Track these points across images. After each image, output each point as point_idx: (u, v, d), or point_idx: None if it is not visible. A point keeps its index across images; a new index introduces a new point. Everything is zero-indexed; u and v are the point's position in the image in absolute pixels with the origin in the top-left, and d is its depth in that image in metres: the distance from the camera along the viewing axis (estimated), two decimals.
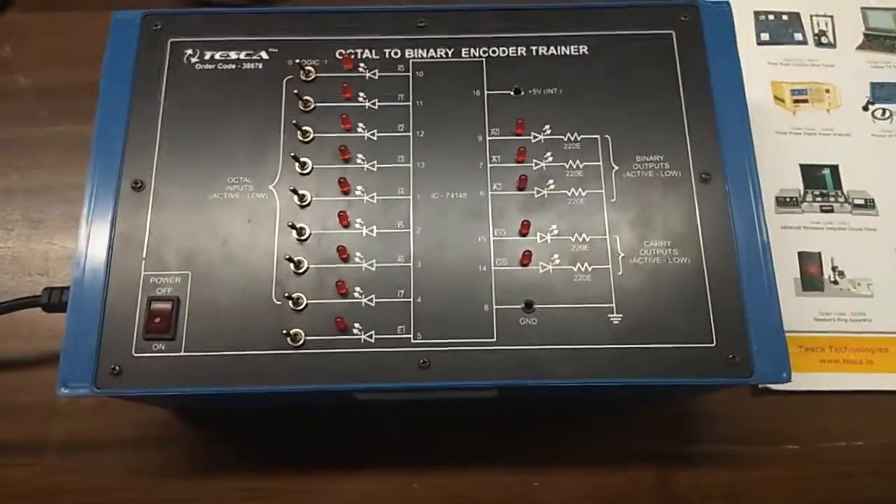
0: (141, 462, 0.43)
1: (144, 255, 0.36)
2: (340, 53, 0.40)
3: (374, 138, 0.39)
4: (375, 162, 0.38)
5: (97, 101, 0.39)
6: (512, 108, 0.39)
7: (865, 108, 0.50)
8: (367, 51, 0.41)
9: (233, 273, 0.36)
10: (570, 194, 0.38)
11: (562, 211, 0.38)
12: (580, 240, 0.37)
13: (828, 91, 0.50)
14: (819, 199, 0.48)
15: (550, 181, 0.38)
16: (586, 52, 0.41)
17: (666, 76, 0.40)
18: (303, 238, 0.37)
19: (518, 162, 0.38)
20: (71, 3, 0.54)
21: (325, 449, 0.43)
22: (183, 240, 0.37)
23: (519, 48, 0.41)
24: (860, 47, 0.52)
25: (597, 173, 0.38)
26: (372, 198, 0.38)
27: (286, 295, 0.36)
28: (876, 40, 0.52)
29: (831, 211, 0.47)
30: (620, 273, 0.37)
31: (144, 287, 0.36)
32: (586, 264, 0.37)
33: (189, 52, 0.40)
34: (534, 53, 0.41)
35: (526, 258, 0.36)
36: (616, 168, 0.38)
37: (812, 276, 0.46)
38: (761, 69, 0.51)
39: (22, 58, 0.53)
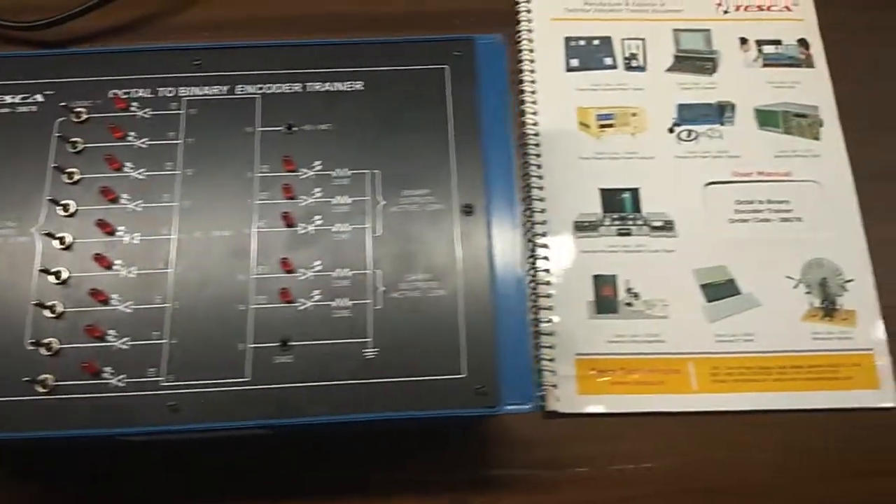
0: None
1: None
2: (114, 93, 0.40)
3: (142, 178, 0.39)
4: (141, 202, 0.38)
5: None
6: (283, 144, 0.40)
7: (671, 131, 0.51)
8: (140, 90, 0.41)
9: None
10: (335, 230, 0.38)
11: (326, 246, 0.38)
12: (342, 275, 0.38)
13: (634, 115, 0.52)
14: (617, 222, 0.49)
15: (317, 217, 0.39)
16: (361, 88, 0.41)
17: (437, 111, 0.41)
18: (60, 282, 0.37)
19: (287, 198, 0.39)
20: None
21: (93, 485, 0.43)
22: None
23: (294, 85, 0.41)
24: (670, 69, 0.53)
25: (363, 208, 0.39)
26: (134, 238, 0.38)
27: (38, 341, 0.36)
28: (686, 62, 0.53)
29: (629, 234, 0.48)
30: (379, 307, 0.37)
31: None
32: (346, 299, 0.37)
33: None
34: (308, 90, 0.41)
35: (286, 295, 0.37)
36: (383, 203, 0.39)
37: (607, 298, 0.47)
38: (569, 95, 0.52)
39: None
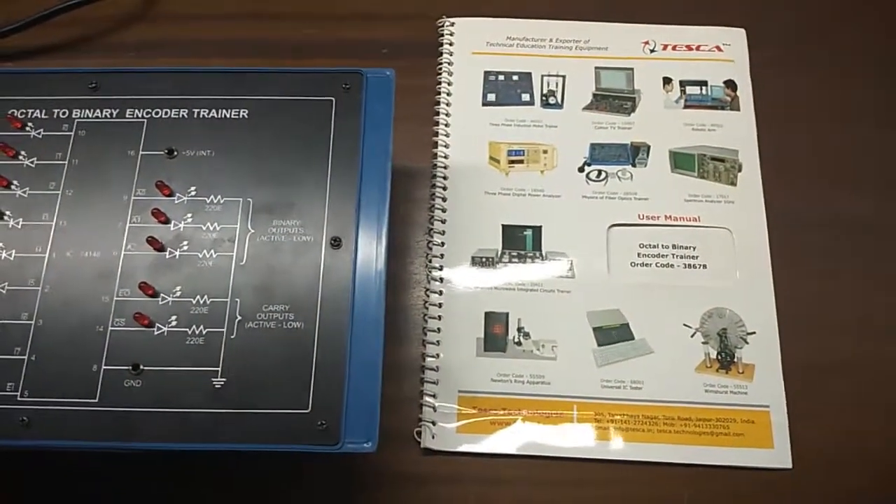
0: None
1: None
2: (11, 113, 0.42)
3: (25, 196, 0.40)
4: (21, 219, 0.40)
5: None
6: (162, 168, 0.41)
7: (581, 170, 0.51)
8: (37, 111, 0.42)
9: None
10: (201, 256, 0.39)
11: (190, 273, 0.39)
12: (201, 302, 0.38)
13: (545, 152, 0.51)
14: (515, 259, 0.48)
15: (185, 242, 0.39)
16: (246, 116, 0.42)
17: (319, 143, 0.41)
18: None
19: (159, 222, 0.40)
20: None
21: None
22: None
23: (181, 110, 0.42)
24: (587, 107, 0.53)
25: (232, 235, 0.39)
26: (10, 255, 0.39)
27: None
28: (604, 100, 0.53)
29: (526, 272, 0.48)
30: (233, 337, 0.37)
31: None
32: (202, 327, 0.38)
33: None
34: (195, 116, 0.42)
35: (143, 319, 0.37)
36: (252, 231, 0.39)
37: (496, 336, 0.46)
38: (482, 130, 0.52)
39: None
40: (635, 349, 0.46)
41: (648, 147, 0.51)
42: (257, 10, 0.58)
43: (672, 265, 0.48)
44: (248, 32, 0.57)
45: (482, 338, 0.46)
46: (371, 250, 0.39)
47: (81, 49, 0.56)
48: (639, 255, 0.49)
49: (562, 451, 0.44)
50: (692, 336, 0.47)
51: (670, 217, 0.50)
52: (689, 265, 0.48)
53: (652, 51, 0.55)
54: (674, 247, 0.49)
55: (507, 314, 0.47)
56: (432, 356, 0.46)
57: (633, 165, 0.51)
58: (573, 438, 0.44)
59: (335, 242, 0.39)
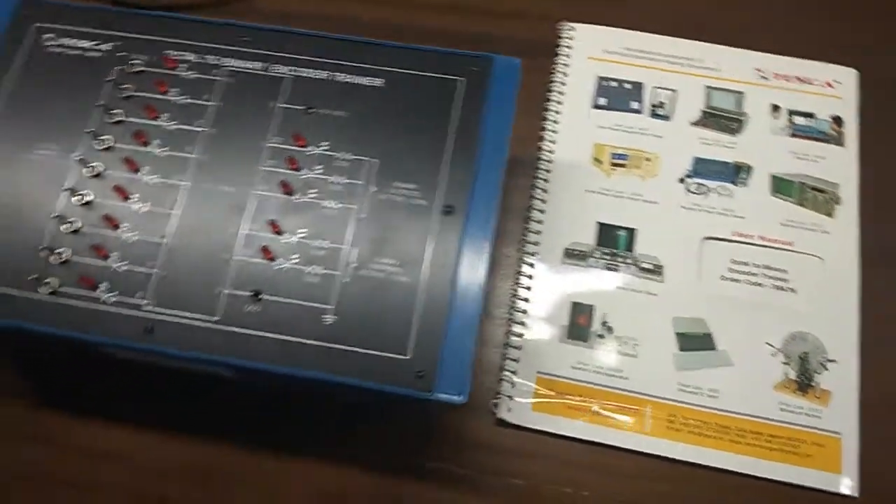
0: None
1: None
2: (167, 53, 0.46)
3: (172, 129, 0.44)
4: (167, 149, 0.43)
5: None
6: (299, 122, 0.44)
7: (682, 181, 0.52)
8: (190, 55, 0.46)
9: (15, 221, 0.42)
10: (325, 204, 0.42)
11: (314, 218, 0.42)
12: (321, 245, 0.41)
13: (648, 160, 0.53)
14: (607, 257, 0.50)
15: (313, 191, 0.42)
16: (381, 85, 0.45)
17: (443, 117, 0.44)
18: (83, 204, 0.42)
19: (290, 169, 0.43)
20: None
21: (96, 398, 0.48)
22: None
23: (322, 72, 0.45)
24: (695, 123, 0.54)
25: (355, 191, 0.42)
26: (153, 180, 0.43)
27: (51, 249, 0.41)
28: (712, 118, 0.54)
29: (616, 270, 0.50)
30: (346, 281, 0.40)
31: None
32: (319, 267, 0.40)
33: (46, 36, 0.46)
34: (334, 79, 0.45)
35: (267, 252, 0.41)
36: (374, 189, 0.42)
37: (580, 326, 0.48)
38: (589, 131, 0.54)
39: None
40: (716, 359, 0.47)
41: (750, 168, 0.53)
42: None
43: (761, 284, 0.49)
44: (376, 14, 0.61)
45: (566, 326, 0.48)
46: (479, 222, 0.41)
47: (223, 10, 0.61)
48: (729, 269, 0.50)
49: (630, 443, 0.45)
50: (773, 355, 0.47)
51: (765, 238, 0.51)
52: (779, 287, 0.49)
53: (763, 78, 0.56)
54: (765, 267, 0.50)
55: (592, 307, 0.49)
56: (516, 335, 0.48)
57: (734, 184, 0.52)
58: (643, 434, 0.46)
59: (448, 209, 0.42)
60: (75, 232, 0.41)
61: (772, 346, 0.48)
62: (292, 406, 0.47)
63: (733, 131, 0.54)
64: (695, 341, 0.48)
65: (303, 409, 0.47)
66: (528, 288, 0.49)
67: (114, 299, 0.40)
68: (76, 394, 0.48)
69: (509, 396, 0.46)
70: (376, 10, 0.61)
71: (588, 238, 0.51)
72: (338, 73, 0.45)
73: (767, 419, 0.46)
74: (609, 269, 0.50)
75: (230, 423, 0.47)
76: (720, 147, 0.53)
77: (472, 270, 0.40)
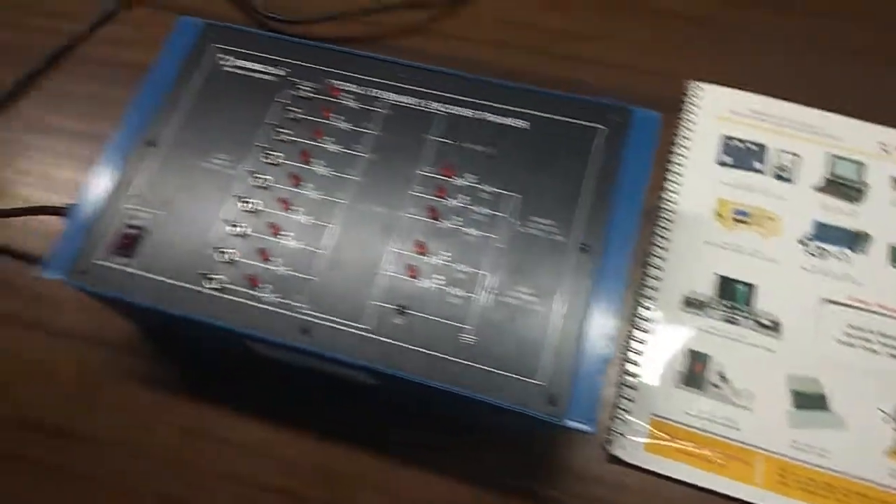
0: (91, 357, 0.53)
1: (136, 193, 0.47)
2: (332, 83, 0.50)
3: (334, 151, 0.48)
4: (329, 169, 0.48)
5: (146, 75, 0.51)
6: (449, 154, 0.48)
7: (802, 243, 0.53)
8: (353, 85, 0.50)
9: (191, 222, 0.46)
10: (467, 232, 0.45)
11: (457, 243, 0.45)
12: (462, 269, 0.44)
13: (770, 219, 0.54)
14: (726, 308, 0.51)
15: (457, 217, 0.45)
16: (526, 127, 0.48)
17: (582, 161, 0.47)
18: (250, 211, 0.46)
19: (438, 196, 0.46)
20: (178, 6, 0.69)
21: (243, 395, 0.51)
22: (165, 188, 0.47)
23: (473, 111, 0.49)
24: (818, 189, 0.56)
25: (496, 222, 0.45)
26: (314, 194, 0.47)
27: (220, 249, 0.45)
28: (834, 186, 0.55)
29: (735, 323, 0.51)
30: (484, 304, 0.43)
31: (126, 215, 0.46)
32: (460, 290, 0.43)
33: (224, 57, 0.52)
34: (482, 118, 0.49)
35: (412, 271, 0.44)
36: (514, 222, 0.45)
37: (696, 373, 0.49)
38: (712, 186, 0.56)
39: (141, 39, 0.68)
40: (829, 420, 0.48)
41: (870, 237, 0.54)
42: (532, 44, 0.66)
43: (877, 352, 0.50)
44: (517, 60, 0.65)
45: (682, 372, 0.50)
46: (614, 262, 0.44)
47: (378, 43, 0.67)
48: (846, 333, 0.50)
49: (740, 493, 0.46)
50: (885, 421, 0.48)
51: (882, 307, 0.51)
52: (893, 356, 0.50)
53: (886, 151, 0.57)
54: (881, 335, 0.50)
55: (709, 356, 0.50)
56: (631, 375, 0.50)
57: (853, 251, 0.53)
58: (753, 486, 0.46)
59: (584, 247, 0.44)
60: (241, 236, 0.46)
61: (884, 412, 0.48)
62: (418, 417, 0.49)
63: (854, 200, 0.55)
64: (809, 400, 0.48)
65: (427, 422, 0.49)
66: (646, 331, 0.51)
67: (274, 299, 0.44)
68: (226, 390, 0.52)
69: (622, 434, 0.48)
70: (514, 57, 0.65)
71: (707, 289, 0.52)
72: (487, 113, 0.49)
73: (877, 484, 0.46)
74: (727, 321, 0.51)
75: (359, 429, 0.50)
76: (841, 214, 0.54)
77: (606, 306, 0.43)
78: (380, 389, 0.47)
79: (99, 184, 0.48)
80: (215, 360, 0.52)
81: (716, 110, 0.59)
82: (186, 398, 0.52)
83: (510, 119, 0.49)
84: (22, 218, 0.56)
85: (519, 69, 0.64)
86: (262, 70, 0.51)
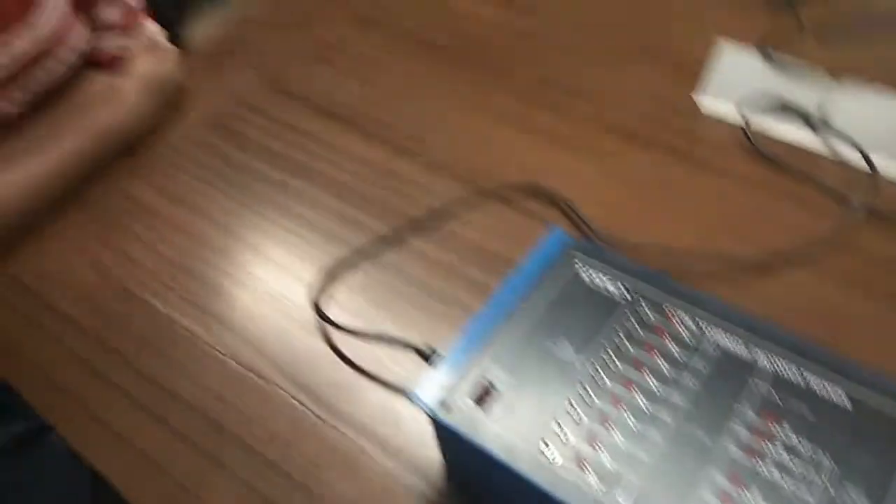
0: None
1: (494, 356, 0.57)
2: (668, 310, 0.59)
3: (663, 371, 0.56)
4: (658, 384, 0.55)
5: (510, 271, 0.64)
6: (771, 404, 0.53)
7: None
8: (686, 316, 0.59)
9: (536, 394, 0.55)
10: (783, 485, 0.49)
11: (770, 491, 0.48)
12: None
13: None
14: None
15: (773, 468, 0.50)
16: (848, 408, 0.52)
17: None
18: (587, 405, 0.54)
19: (757, 440, 0.51)
20: None
21: None
22: (518, 358, 0.57)
23: (800, 379, 0.54)
24: None
25: (814, 489, 0.48)
26: (643, 402, 0.54)
27: (559, 422, 0.53)
28: None
29: None
30: None
31: (485, 371, 0.57)
32: None
33: (583, 271, 0.63)
34: (808, 386, 0.54)
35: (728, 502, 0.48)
36: (829, 489, 0.48)
37: None
38: None
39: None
40: None
41: None
42: None
43: None
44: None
45: None
46: None
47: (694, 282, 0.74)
48: None
49: None
50: None
51: None
52: None
53: None
54: None
55: None
56: None
57: None
58: None
59: None
60: (578, 423, 0.53)
61: None
62: None
63: None
64: None
65: None
66: None
67: (596, 485, 0.50)
68: None
69: None
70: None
71: None
72: (813, 383, 0.54)
73: None
74: None
75: None
76: None
77: None
78: None
79: (467, 341, 0.59)
80: None
81: None
82: None
83: (835, 396, 0.53)
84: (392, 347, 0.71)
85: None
86: (612, 288, 0.62)
